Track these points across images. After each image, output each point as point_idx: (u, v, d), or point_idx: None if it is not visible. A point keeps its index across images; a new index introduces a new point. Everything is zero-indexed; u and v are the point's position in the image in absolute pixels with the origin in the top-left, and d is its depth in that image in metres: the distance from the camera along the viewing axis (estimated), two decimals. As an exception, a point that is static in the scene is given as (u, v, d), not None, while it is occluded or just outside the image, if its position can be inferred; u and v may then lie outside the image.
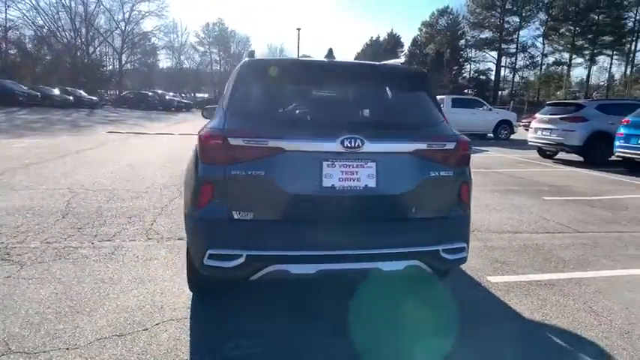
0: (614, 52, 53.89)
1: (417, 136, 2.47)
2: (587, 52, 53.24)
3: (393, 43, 66.47)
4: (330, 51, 2.90)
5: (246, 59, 2.76)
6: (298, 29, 47.31)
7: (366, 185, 2.37)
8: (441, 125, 2.64)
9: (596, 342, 2.65)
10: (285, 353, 2.40)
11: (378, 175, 2.38)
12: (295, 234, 2.35)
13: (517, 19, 54.73)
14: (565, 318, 2.93)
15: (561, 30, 53.14)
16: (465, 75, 62.96)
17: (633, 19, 51.87)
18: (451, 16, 59.38)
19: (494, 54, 57.70)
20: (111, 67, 55.52)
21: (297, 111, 2.63)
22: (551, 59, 55.96)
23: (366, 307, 2.89)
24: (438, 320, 2.83)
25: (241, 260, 2.29)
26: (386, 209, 2.46)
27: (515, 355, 2.49)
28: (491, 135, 18.79)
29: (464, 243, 2.59)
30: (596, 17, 50.90)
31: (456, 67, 61.14)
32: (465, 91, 60.17)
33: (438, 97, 20.50)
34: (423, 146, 2.44)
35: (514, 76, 58.39)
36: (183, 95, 52.01)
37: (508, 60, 57.51)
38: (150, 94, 39.62)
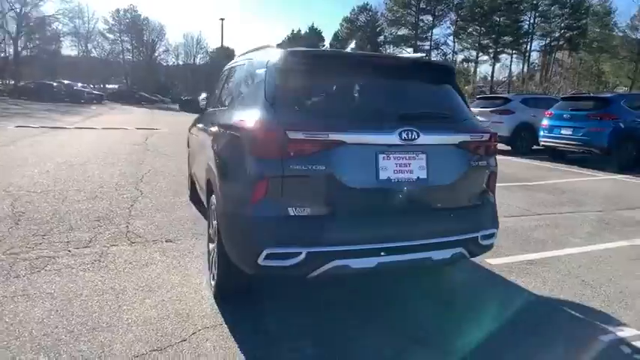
0: (514, 52, 59.60)
1: (461, 128, 2.54)
2: (491, 50, 58.20)
3: (314, 37, 67.21)
4: (356, 44, 2.87)
5: (288, 49, 2.60)
6: (222, 19, 45.36)
7: (418, 177, 2.38)
8: (473, 118, 2.75)
9: (602, 309, 2.94)
10: (342, 347, 2.34)
11: (428, 166, 2.40)
12: (354, 228, 2.29)
13: (431, 18, 58.14)
14: (567, 292, 3.22)
15: (469, 30, 57.48)
16: (384, 70, 65.61)
17: (528, 22, 57.79)
18: (370, 13, 61.37)
19: (411, 50, 60.69)
20: (3, 53, 49.25)
21: (349, 103, 2.53)
22: (461, 56, 60.36)
23: (389, 296, 2.92)
24: (462, 302, 2.96)
25: (301, 258, 2.18)
26: (435, 199, 2.50)
27: (543, 326, 2.67)
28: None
29: (495, 229, 2.72)
30: (498, 19, 55.83)
31: (376, 63, 63.52)
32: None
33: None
34: (467, 138, 2.52)
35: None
36: (92, 86, 47.80)
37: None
38: (55, 84, 35.81)
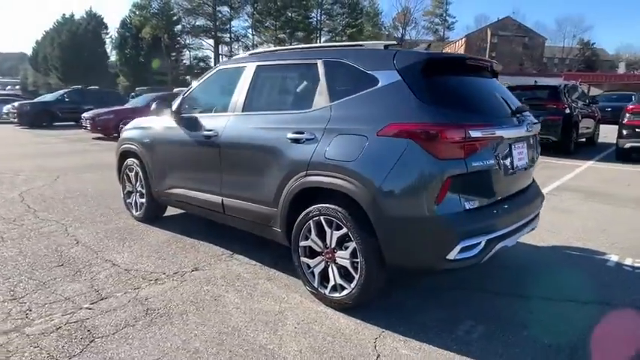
0: (307, 46, 65.14)
1: (536, 119, 3.11)
2: (287, 44, 62.20)
3: (94, 23, 59.45)
4: (429, 45, 3.10)
5: (425, 52, 2.60)
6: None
7: (526, 162, 2.84)
8: None
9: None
10: (504, 321, 2.64)
11: (527, 152, 2.89)
12: (509, 212, 2.61)
13: (228, 10, 58.28)
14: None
15: (266, 23, 60.02)
16: (184, 62, 62.97)
17: (316, 19, 63.86)
18: (163, 0, 57.57)
19: (212, 42, 59.88)
20: None
21: (481, 102, 2.73)
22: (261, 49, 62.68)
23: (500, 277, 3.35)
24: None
25: (482, 246, 2.39)
26: (527, 180, 3.01)
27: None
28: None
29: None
30: (291, 15, 59.98)
31: (174, 54, 60.35)
32: (187, 78, 60.37)
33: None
34: (539, 127, 3.09)
35: (231, 63, 62.27)
36: None
37: (225, 48, 60.82)
38: None
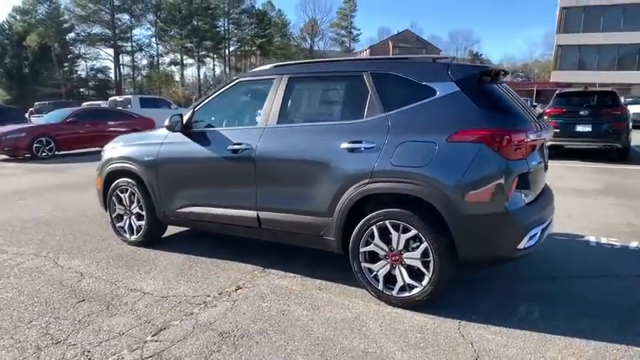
0: (215, 55, 63.82)
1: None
2: (195, 54, 60.38)
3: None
4: (454, 58, 3.37)
5: (477, 64, 2.82)
6: None
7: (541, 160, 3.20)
8: None
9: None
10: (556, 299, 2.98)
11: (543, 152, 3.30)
12: (547, 205, 2.96)
13: (129, 17, 54.94)
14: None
15: (171, 32, 57.65)
16: (79, 73, 57.92)
17: (223, 28, 62.90)
18: (52, 5, 52.43)
19: (111, 51, 55.92)
20: None
21: (517, 107, 2.98)
22: (167, 59, 59.94)
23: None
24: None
25: (539, 235, 2.71)
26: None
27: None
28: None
29: None
30: (197, 23, 58.36)
31: (67, 64, 55.24)
32: (81, 90, 55.72)
33: (119, 98, 19.03)
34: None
35: (134, 73, 58.68)
36: None
37: (127, 58, 57.14)
38: None
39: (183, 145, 3.73)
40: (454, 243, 2.66)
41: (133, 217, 4.21)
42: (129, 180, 4.12)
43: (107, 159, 4.31)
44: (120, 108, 16.51)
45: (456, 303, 2.92)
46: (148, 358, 2.37)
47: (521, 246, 2.62)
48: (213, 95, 3.80)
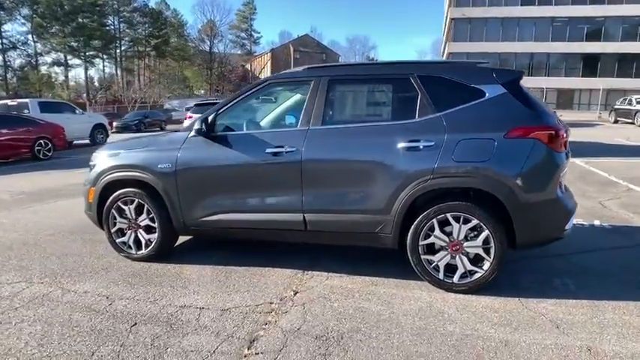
0: (105, 56, 58.71)
1: None
2: (82, 53, 54.84)
3: None
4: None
5: (513, 69, 3.11)
6: None
7: None
8: None
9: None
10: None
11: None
12: (570, 193, 3.39)
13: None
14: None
15: (52, 30, 51.60)
16: None
17: (113, 27, 58.18)
18: None
19: None
20: None
21: (549, 109, 3.34)
22: (48, 59, 53.51)
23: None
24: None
25: (573, 219, 3.15)
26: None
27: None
28: (89, 140, 17.61)
29: None
30: (83, 21, 53.08)
31: None
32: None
33: (11, 102, 16.68)
34: None
35: (6, 74, 51.18)
36: None
37: (-1, 57, 49.59)
38: None
39: (208, 150, 3.54)
40: (512, 229, 2.97)
41: (140, 230, 3.85)
42: (136, 190, 3.77)
43: (104, 169, 3.87)
44: (15, 113, 14.43)
45: (503, 284, 3.23)
46: (261, 371, 2.27)
47: (567, 227, 3.03)
48: (240, 97, 3.66)
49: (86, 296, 3.19)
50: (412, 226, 3.13)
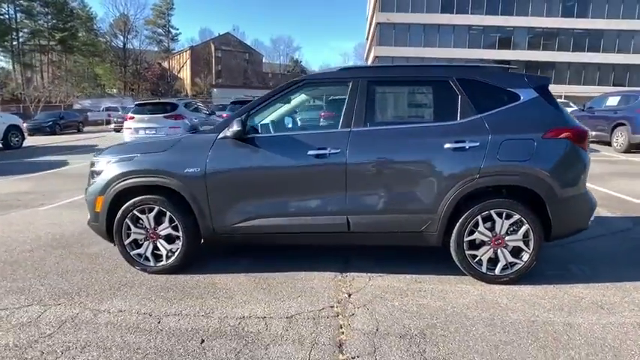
0: (0, 48, 52.36)
1: None
2: (-30, 45, 48.22)
3: None
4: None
5: (545, 77, 3.37)
6: None
7: None
8: None
9: None
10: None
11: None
12: None
13: None
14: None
15: None
16: None
17: (8, 16, 51.99)
18: None
19: None
20: None
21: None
22: None
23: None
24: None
25: (595, 214, 3.51)
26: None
27: None
28: (1, 144, 15.60)
29: None
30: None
31: None
32: None
33: None
34: None
35: None
36: None
37: None
38: None
39: (242, 152, 3.39)
40: (548, 222, 3.25)
41: (160, 240, 3.57)
42: (156, 197, 3.49)
43: (115, 175, 3.52)
44: None
45: (531, 273, 3.50)
46: (371, 374, 2.25)
47: (591, 219, 3.38)
48: (272, 97, 3.55)
49: (125, 315, 2.90)
50: (457, 224, 3.28)
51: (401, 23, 45.34)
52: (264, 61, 79.07)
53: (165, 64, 69.33)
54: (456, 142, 3.24)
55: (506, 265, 3.31)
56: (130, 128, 12.08)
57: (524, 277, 3.33)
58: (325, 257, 3.86)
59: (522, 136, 3.23)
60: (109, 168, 3.58)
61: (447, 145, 3.24)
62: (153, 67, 64.62)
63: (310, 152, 3.32)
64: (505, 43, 46.02)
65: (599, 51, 44.84)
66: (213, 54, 68.17)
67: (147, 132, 11.93)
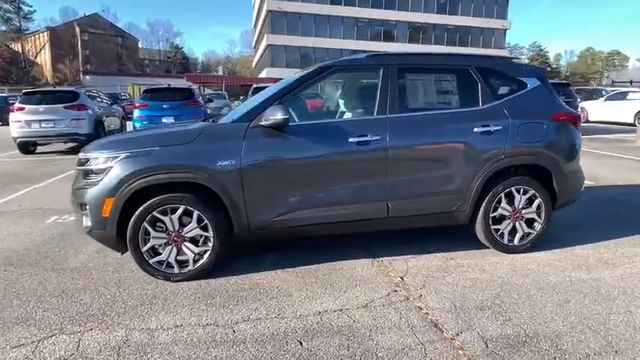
0: None
1: None
2: None
3: None
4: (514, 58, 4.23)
5: (542, 68, 3.73)
6: None
7: None
8: None
9: None
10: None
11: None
12: None
13: None
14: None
15: None
16: None
17: None
18: None
19: None
20: None
21: None
22: None
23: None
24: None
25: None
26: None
27: None
28: None
29: None
30: None
31: None
32: None
33: None
34: None
35: None
36: None
37: None
38: None
39: (279, 142, 3.20)
40: (555, 194, 3.70)
41: (186, 243, 3.20)
42: (182, 195, 3.11)
43: (129, 172, 3.03)
44: None
45: (545, 240, 3.91)
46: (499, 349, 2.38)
47: (582, 190, 3.93)
48: (302, 84, 3.38)
49: (187, 330, 2.56)
50: (484, 201, 3.55)
51: (292, 12, 45.53)
52: (140, 46, 72.68)
53: (18, 48, 59.63)
54: (483, 125, 3.48)
55: (522, 235, 3.69)
56: (20, 121, 10.31)
57: (534, 245, 3.75)
58: (346, 246, 3.85)
59: (535, 120, 3.61)
60: (118, 165, 3.06)
61: (476, 129, 3.46)
62: (0, 49, 55.09)
63: (351, 139, 3.27)
64: (389, 36, 49.34)
65: (468, 45, 50.66)
66: (79, 37, 60.39)
67: (42, 125, 10.32)
